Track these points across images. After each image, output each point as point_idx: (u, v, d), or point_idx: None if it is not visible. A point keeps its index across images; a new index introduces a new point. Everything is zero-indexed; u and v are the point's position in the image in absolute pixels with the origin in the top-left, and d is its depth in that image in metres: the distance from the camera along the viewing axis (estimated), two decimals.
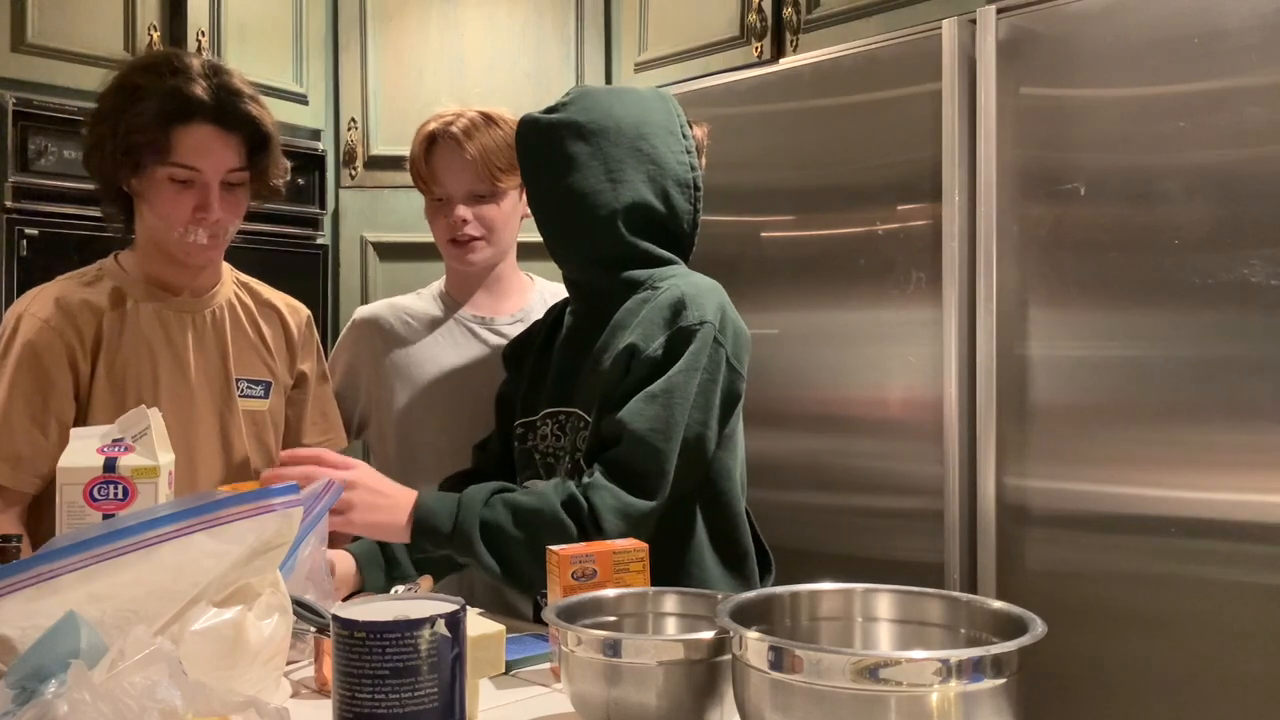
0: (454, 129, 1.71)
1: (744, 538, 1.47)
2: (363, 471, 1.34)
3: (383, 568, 1.49)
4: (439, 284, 1.89)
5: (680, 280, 1.42)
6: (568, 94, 1.49)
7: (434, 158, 1.73)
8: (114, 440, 1.21)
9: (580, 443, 1.43)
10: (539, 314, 1.80)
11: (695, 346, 1.35)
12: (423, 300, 1.88)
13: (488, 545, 1.31)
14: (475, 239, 1.74)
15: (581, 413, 1.44)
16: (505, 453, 1.62)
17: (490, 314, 1.83)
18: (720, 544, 1.44)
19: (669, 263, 1.47)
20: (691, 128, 1.51)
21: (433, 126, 1.74)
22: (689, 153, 1.48)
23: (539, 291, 1.88)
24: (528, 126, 1.48)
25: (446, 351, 1.80)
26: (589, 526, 1.30)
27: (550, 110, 1.48)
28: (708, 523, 1.43)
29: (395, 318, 1.84)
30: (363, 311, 1.88)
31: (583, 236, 1.45)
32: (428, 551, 1.37)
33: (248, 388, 1.59)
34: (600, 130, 1.43)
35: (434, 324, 1.83)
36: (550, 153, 1.45)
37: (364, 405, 1.82)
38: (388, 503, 1.33)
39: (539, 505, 1.31)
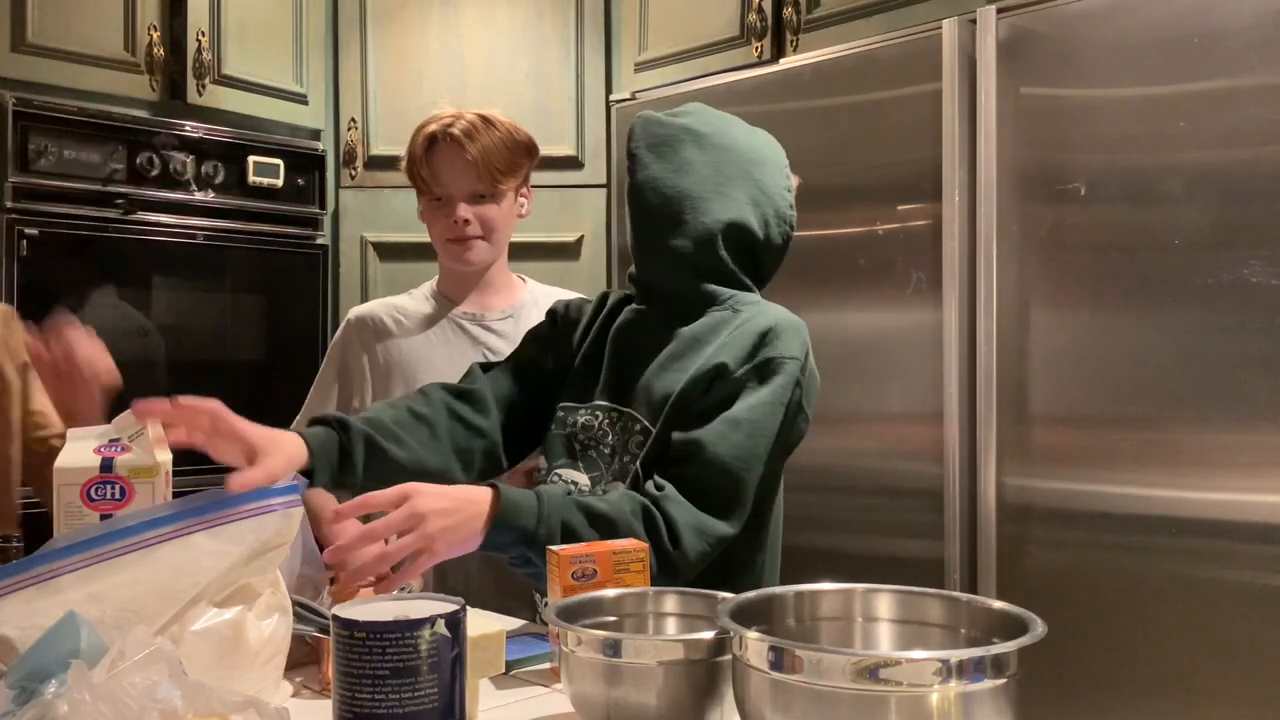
0: (455, 130, 1.74)
1: (774, 571, 1.47)
2: (422, 499, 1.18)
3: (332, 471, 1.37)
4: (432, 283, 1.92)
5: (769, 308, 1.43)
6: (687, 106, 1.52)
7: (435, 158, 1.76)
8: (110, 440, 1.21)
9: (634, 446, 1.41)
10: (530, 312, 1.82)
11: (781, 380, 1.35)
12: (416, 299, 1.90)
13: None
14: (475, 238, 1.78)
15: (640, 417, 1.41)
16: (507, 387, 1.56)
17: (481, 310, 1.86)
18: (756, 578, 1.44)
19: (749, 289, 1.48)
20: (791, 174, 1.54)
21: (433, 128, 1.77)
22: (790, 191, 1.51)
23: (530, 291, 1.91)
24: (645, 121, 1.49)
25: (438, 350, 1.82)
26: (665, 539, 1.26)
27: (670, 114, 1.50)
28: (753, 557, 1.43)
29: (389, 316, 1.87)
30: (357, 310, 1.91)
31: (679, 239, 1.44)
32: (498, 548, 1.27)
33: None
34: (719, 145, 1.46)
35: (427, 322, 1.86)
36: (666, 150, 1.46)
37: (358, 403, 1.83)
38: (460, 517, 1.21)
39: (612, 513, 1.27)
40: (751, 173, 1.46)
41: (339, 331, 1.91)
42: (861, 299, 2.15)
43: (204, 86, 2.78)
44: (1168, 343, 1.75)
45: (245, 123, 2.88)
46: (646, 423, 1.40)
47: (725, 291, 1.45)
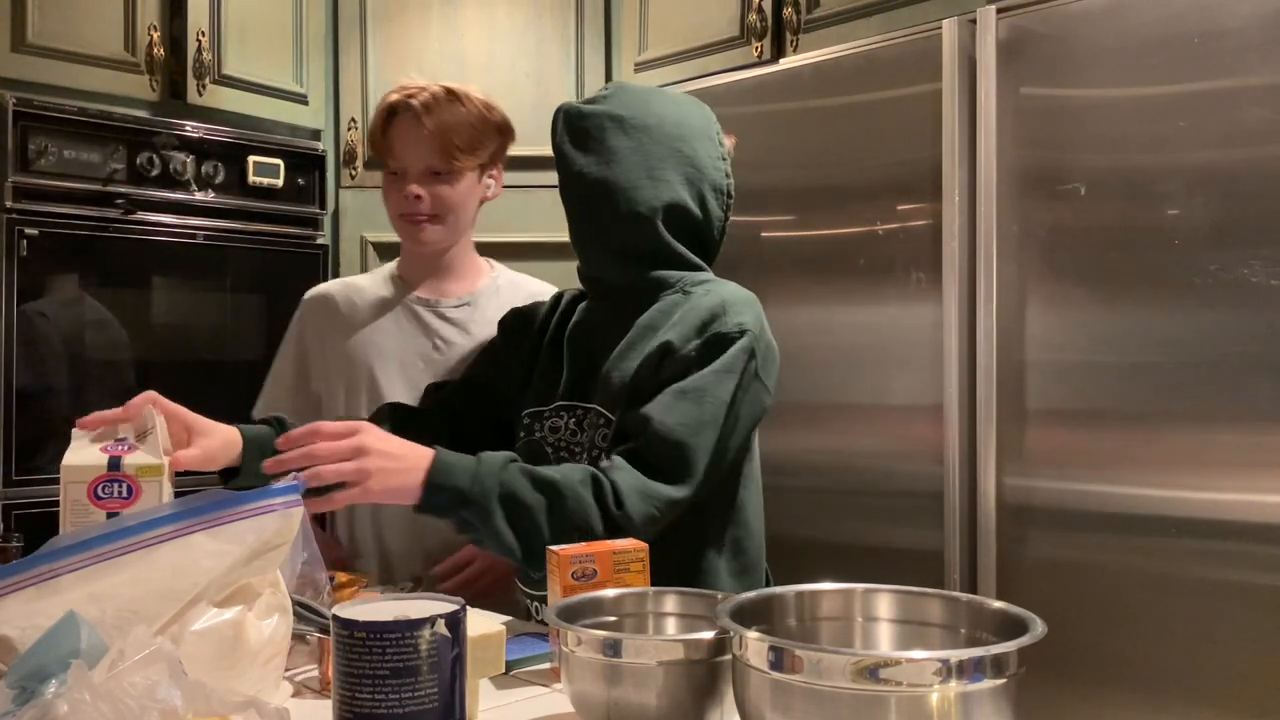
0: (415, 102, 1.66)
1: (757, 549, 1.45)
2: (370, 435, 1.23)
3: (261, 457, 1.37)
4: (394, 265, 1.84)
5: (718, 286, 1.41)
6: (605, 88, 1.48)
7: (392, 129, 1.68)
8: (117, 439, 1.21)
9: (600, 440, 1.41)
10: (490, 300, 1.75)
11: (732, 352, 1.33)
12: (374, 281, 1.82)
13: (504, 508, 1.24)
14: (428, 217, 1.69)
15: (603, 410, 1.41)
16: (460, 405, 1.58)
17: (437, 296, 1.77)
18: (733, 553, 1.42)
19: (698, 267, 1.46)
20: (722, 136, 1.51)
21: (394, 98, 1.69)
22: (724, 159, 1.48)
23: (494, 278, 1.82)
24: (565, 113, 1.46)
25: (390, 336, 1.74)
26: (610, 504, 1.26)
27: (588, 101, 1.47)
28: (725, 532, 1.42)
29: (344, 297, 1.79)
30: (314, 290, 1.83)
31: (618, 230, 1.43)
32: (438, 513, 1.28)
33: None
34: (642, 126, 1.42)
35: (382, 306, 1.77)
36: (589, 142, 1.43)
37: (318, 387, 1.77)
38: (401, 465, 1.23)
39: (557, 476, 1.26)
40: (681, 149, 1.43)
41: (297, 312, 1.83)
42: (861, 298, 2.15)
43: (204, 86, 2.78)
44: (1168, 342, 1.75)
45: (245, 123, 2.88)
46: (608, 414, 1.40)
47: (674, 275, 1.44)
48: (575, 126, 1.45)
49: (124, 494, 1.16)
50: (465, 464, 1.25)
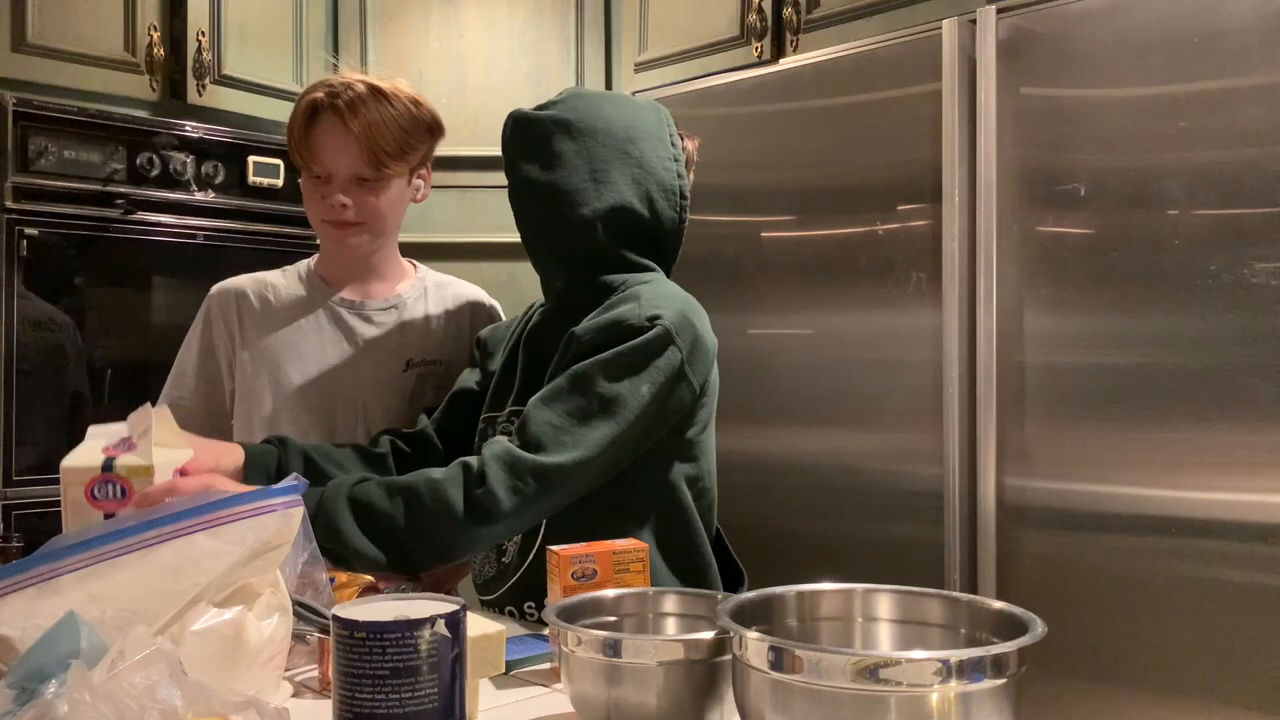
0: (339, 102, 1.54)
1: (702, 550, 1.41)
2: (221, 484, 1.21)
3: (268, 478, 1.37)
4: (309, 262, 1.73)
5: (653, 286, 1.37)
6: (560, 94, 1.47)
7: (314, 132, 1.57)
8: (121, 439, 1.21)
9: None
10: (416, 304, 1.70)
11: (636, 343, 1.29)
12: (289, 279, 1.71)
13: (357, 522, 1.22)
14: (355, 225, 1.59)
15: None
16: (453, 427, 1.57)
17: (362, 299, 1.68)
18: (673, 554, 1.39)
19: (647, 269, 1.44)
20: (683, 139, 1.49)
21: (318, 94, 1.56)
22: (676, 160, 1.45)
23: (421, 279, 1.74)
24: (514, 120, 1.45)
25: (309, 338, 1.65)
26: (472, 484, 1.24)
27: (541, 107, 1.45)
28: (658, 532, 1.38)
29: (257, 293, 1.68)
30: (222, 285, 1.71)
31: (562, 236, 1.42)
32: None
33: None
34: (589, 130, 1.41)
35: (300, 306, 1.67)
36: (535, 149, 1.42)
37: (227, 384, 1.68)
38: None
39: (413, 479, 1.25)
40: (629, 151, 1.41)
41: (201, 311, 1.70)
42: (861, 299, 2.15)
43: (204, 86, 2.78)
44: (1167, 342, 1.75)
45: (245, 123, 2.88)
46: None
47: (619, 278, 1.41)
48: (521, 133, 1.44)
49: (118, 495, 1.16)
50: (312, 494, 1.23)
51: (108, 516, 1.17)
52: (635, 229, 1.42)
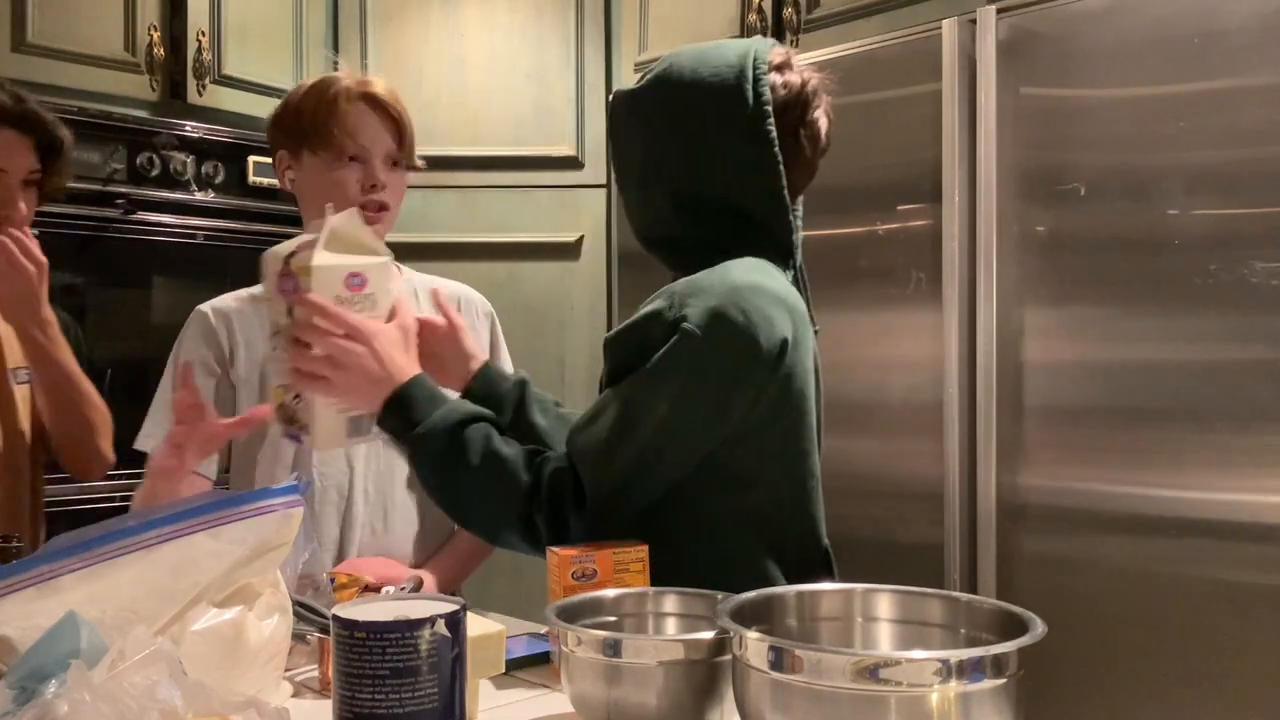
0: (377, 90, 1.59)
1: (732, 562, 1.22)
2: (378, 340, 1.22)
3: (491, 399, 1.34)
4: None
5: (714, 271, 1.19)
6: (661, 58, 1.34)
7: (351, 113, 1.57)
8: (315, 236, 1.24)
9: None
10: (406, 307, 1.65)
11: (667, 350, 1.14)
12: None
13: (439, 458, 1.19)
14: (385, 207, 1.58)
15: None
16: None
17: None
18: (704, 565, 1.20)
19: (723, 249, 1.24)
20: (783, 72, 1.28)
21: (347, 83, 1.59)
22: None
23: (409, 280, 1.71)
24: (618, 98, 1.35)
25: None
26: (532, 505, 1.18)
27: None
28: (683, 543, 1.20)
29: (240, 314, 1.64)
30: (207, 305, 1.66)
31: (640, 216, 1.34)
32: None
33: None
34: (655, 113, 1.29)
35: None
36: (626, 127, 1.34)
37: (234, 379, 1.63)
38: (372, 377, 1.21)
39: (510, 453, 1.19)
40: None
41: (186, 328, 1.65)
42: (861, 299, 2.15)
43: (204, 86, 2.78)
44: (1167, 342, 1.75)
45: (245, 123, 2.88)
46: None
47: (690, 260, 1.26)
48: (619, 112, 1.35)
49: (294, 289, 1.22)
50: (429, 406, 1.21)
51: (290, 309, 1.22)
52: (710, 205, 1.29)
